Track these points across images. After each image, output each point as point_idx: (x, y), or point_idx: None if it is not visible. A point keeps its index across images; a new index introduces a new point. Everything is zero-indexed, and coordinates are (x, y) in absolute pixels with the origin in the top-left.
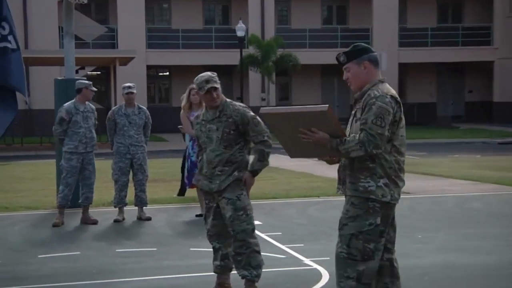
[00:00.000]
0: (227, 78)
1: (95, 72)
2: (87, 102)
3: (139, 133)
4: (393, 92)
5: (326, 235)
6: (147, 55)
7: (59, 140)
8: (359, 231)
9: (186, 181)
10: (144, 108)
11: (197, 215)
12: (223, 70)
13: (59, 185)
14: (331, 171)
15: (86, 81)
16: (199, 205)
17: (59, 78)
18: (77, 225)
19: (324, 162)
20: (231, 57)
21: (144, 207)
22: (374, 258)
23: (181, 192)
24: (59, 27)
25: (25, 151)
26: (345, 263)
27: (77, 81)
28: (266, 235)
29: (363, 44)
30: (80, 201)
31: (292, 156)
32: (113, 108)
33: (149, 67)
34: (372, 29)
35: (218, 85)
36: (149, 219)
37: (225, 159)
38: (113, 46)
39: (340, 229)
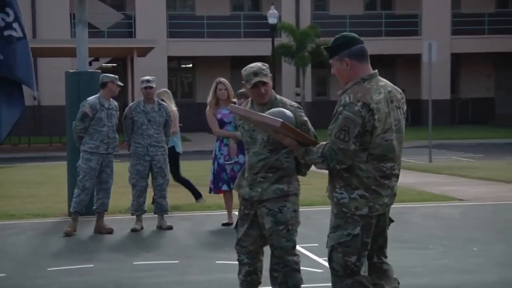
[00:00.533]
0: None
1: (110, 64)
2: (111, 99)
3: (159, 132)
4: (370, 95)
5: None
6: (168, 45)
7: (77, 138)
8: (338, 243)
9: (211, 185)
10: (165, 104)
11: (223, 224)
12: (253, 61)
13: (71, 190)
14: None
15: (111, 75)
16: (225, 212)
17: (71, 71)
18: (90, 235)
19: None
20: (261, 47)
21: (164, 215)
22: (359, 273)
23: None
24: (70, 14)
25: (33, 152)
26: (333, 278)
27: (102, 75)
28: (301, 247)
29: (345, 36)
30: (94, 207)
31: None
32: (130, 104)
33: (170, 59)
34: (421, 15)
35: (268, 79)
36: (170, 228)
37: (269, 164)
38: (131, 35)
39: (327, 242)
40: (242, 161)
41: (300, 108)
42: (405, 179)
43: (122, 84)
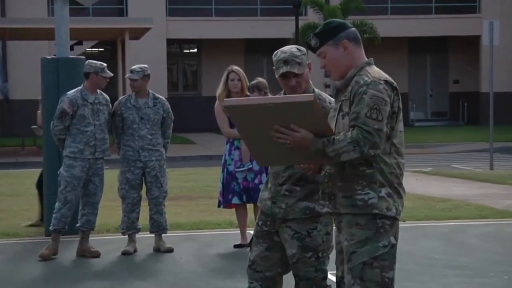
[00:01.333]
0: None
1: (97, 49)
2: (99, 91)
3: (153, 132)
4: (387, 76)
5: (417, 274)
6: (168, 25)
7: (58, 141)
8: (373, 258)
9: (220, 198)
10: (162, 98)
11: (236, 246)
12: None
13: (49, 203)
14: (423, 185)
15: (96, 64)
16: (238, 231)
17: (48, 57)
18: (72, 259)
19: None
20: (283, 27)
21: (163, 235)
22: None
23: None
24: None
25: (2, 157)
26: None
27: (86, 62)
28: (333, 274)
29: (335, 20)
30: (78, 225)
31: (261, 164)
32: (120, 98)
33: (170, 42)
34: None
35: (301, 70)
36: (170, 250)
37: (298, 175)
38: (121, 13)
39: (348, 260)
40: (257, 168)
41: None
42: (460, 190)
43: (110, 75)
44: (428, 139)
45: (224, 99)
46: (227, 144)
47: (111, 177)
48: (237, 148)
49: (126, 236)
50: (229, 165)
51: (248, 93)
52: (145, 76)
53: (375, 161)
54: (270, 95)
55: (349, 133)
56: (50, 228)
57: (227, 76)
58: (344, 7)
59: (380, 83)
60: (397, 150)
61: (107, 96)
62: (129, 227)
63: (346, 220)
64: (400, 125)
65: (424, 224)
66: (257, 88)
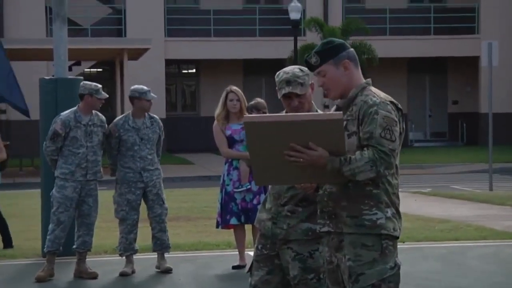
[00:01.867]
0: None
1: (95, 70)
2: (94, 112)
3: (152, 152)
4: (391, 97)
5: None
6: (167, 45)
7: (50, 161)
8: (381, 280)
9: (218, 218)
10: (156, 116)
11: (234, 267)
12: (271, 66)
13: (45, 225)
14: (422, 206)
15: (92, 84)
16: (236, 252)
17: (46, 77)
18: (69, 280)
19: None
20: (281, 48)
21: (165, 253)
22: None
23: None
24: (46, 7)
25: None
26: None
27: (81, 84)
28: None
29: (335, 39)
30: (74, 246)
31: (258, 183)
32: (116, 120)
33: (169, 62)
34: (479, 9)
35: (303, 90)
36: (169, 270)
37: (301, 195)
38: (120, 33)
39: (354, 281)
40: (256, 189)
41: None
42: (459, 211)
43: (105, 96)
44: (427, 159)
45: (245, 115)
46: (225, 164)
47: (108, 197)
48: (236, 168)
49: (124, 258)
50: (227, 185)
51: (247, 114)
52: None
53: (381, 181)
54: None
55: (365, 152)
56: (45, 250)
57: (226, 96)
58: (344, 27)
59: (388, 104)
60: (397, 171)
61: (103, 117)
62: (127, 249)
63: (350, 240)
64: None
65: (423, 245)
66: (256, 109)
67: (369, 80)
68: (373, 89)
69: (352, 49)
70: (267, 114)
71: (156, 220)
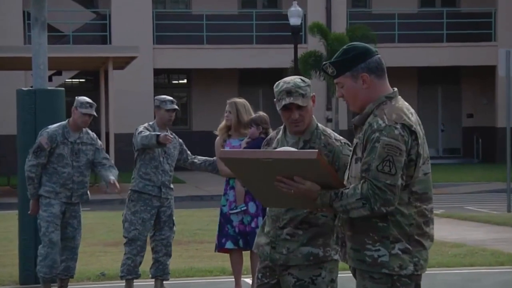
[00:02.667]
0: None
1: (78, 80)
2: (86, 129)
3: (173, 168)
4: (407, 116)
5: None
6: (155, 54)
7: (28, 179)
8: None
9: (216, 241)
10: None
11: None
12: (269, 76)
13: (23, 248)
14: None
15: (81, 99)
16: (232, 279)
17: (24, 88)
18: None
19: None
20: (280, 56)
21: (164, 281)
22: None
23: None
24: (24, 12)
25: None
26: None
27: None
28: None
29: (356, 46)
30: (58, 272)
31: (266, 205)
32: (144, 125)
33: (157, 72)
34: (495, 14)
35: (305, 102)
36: None
37: (300, 217)
38: (105, 40)
39: None
40: (253, 211)
41: (349, 146)
42: (475, 234)
43: (94, 115)
44: (440, 178)
45: (221, 150)
46: (225, 182)
47: (92, 219)
48: (233, 187)
49: (120, 284)
50: (223, 205)
51: (243, 130)
52: None
53: (390, 213)
54: (271, 131)
55: (359, 187)
56: (41, 276)
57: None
58: (350, 34)
59: (395, 128)
60: (419, 197)
61: (93, 135)
62: (131, 272)
63: (359, 272)
64: (425, 168)
65: (435, 272)
66: (255, 123)
67: (392, 92)
68: (391, 105)
69: (375, 58)
70: (242, 150)
71: (163, 243)
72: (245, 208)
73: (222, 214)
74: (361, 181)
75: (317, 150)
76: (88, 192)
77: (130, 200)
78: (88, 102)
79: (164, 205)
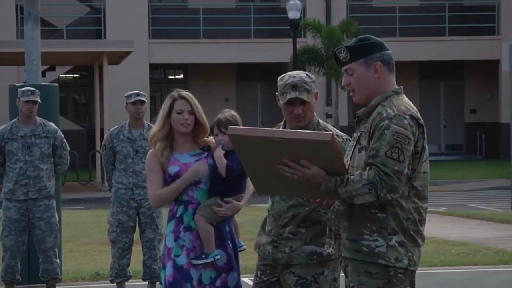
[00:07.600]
0: (273, 82)
1: (72, 75)
2: (39, 120)
3: None
4: (414, 109)
5: None
6: (151, 48)
7: None
8: None
9: None
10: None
11: None
12: (267, 71)
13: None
14: (437, 227)
15: (23, 88)
16: None
17: (17, 84)
18: None
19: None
20: (279, 51)
21: (157, 283)
22: None
23: None
24: (16, 6)
25: None
26: None
27: (19, 89)
28: None
29: (371, 37)
30: (39, 274)
31: (260, 192)
32: (111, 130)
33: (153, 67)
34: (499, 7)
35: (309, 98)
36: None
37: (303, 215)
38: (99, 35)
39: None
40: (222, 263)
41: (350, 139)
42: (478, 233)
43: (37, 101)
44: (442, 175)
45: (229, 126)
46: (170, 221)
47: (86, 218)
48: (190, 228)
49: (115, 285)
50: (177, 256)
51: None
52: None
53: (390, 204)
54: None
55: (365, 173)
56: (2, 279)
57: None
58: (344, 28)
59: (405, 118)
60: (418, 193)
61: (51, 127)
62: (119, 274)
63: (353, 266)
64: (425, 166)
65: (438, 271)
66: (217, 127)
67: (398, 88)
68: (399, 99)
69: (389, 52)
70: (254, 128)
71: (146, 246)
72: (218, 257)
73: (177, 267)
74: (367, 168)
75: (331, 132)
76: (48, 186)
77: (110, 200)
78: (29, 90)
79: (143, 206)
